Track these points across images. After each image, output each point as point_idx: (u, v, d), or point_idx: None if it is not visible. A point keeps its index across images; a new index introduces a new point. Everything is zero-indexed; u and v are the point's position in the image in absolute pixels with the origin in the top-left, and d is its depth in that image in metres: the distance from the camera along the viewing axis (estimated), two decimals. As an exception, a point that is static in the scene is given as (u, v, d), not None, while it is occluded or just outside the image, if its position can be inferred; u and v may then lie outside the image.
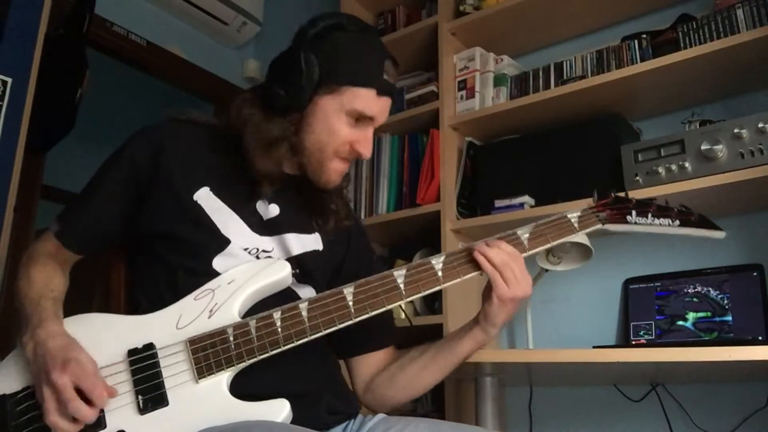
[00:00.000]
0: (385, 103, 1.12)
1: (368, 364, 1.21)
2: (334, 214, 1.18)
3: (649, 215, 1.13)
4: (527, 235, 1.10)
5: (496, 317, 1.09)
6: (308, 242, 1.15)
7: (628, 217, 1.12)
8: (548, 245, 1.11)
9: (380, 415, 1.13)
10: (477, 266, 1.07)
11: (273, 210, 1.13)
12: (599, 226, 1.12)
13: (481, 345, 1.14)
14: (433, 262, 1.07)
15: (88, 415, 0.90)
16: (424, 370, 1.16)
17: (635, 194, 1.62)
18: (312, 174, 1.13)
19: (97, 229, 1.11)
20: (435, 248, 2.02)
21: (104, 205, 1.10)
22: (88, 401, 0.90)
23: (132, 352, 0.97)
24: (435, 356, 1.16)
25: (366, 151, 1.12)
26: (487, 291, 1.10)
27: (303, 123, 1.10)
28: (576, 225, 1.11)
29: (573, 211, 1.13)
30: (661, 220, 1.13)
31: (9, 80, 1.81)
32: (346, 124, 1.09)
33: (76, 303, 1.05)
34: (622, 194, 1.16)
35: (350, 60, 1.08)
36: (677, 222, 1.13)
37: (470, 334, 1.13)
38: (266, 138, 1.08)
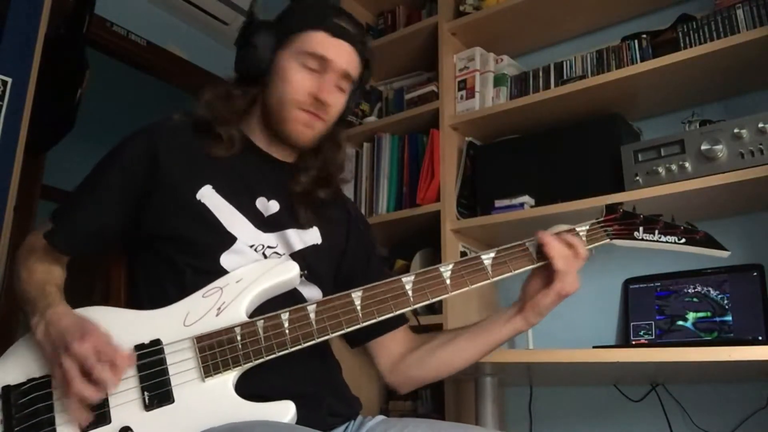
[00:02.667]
0: (342, 45, 1.12)
1: (390, 345, 1.21)
2: (323, 202, 1.19)
3: (656, 232, 1.15)
4: (535, 245, 1.12)
5: (547, 309, 1.10)
6: (307, 237, 1.15)
7: (635, 233, 1.15)
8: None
9: (380, 416, 1.13)
10: (484, 276, 1.08)
11: (273, 206, 1.13)
12: (606, 241, 1.14)
13: (518, 333, 1.15)
14: (441, 269, 1.07)
15: (113, 379, 0.89)
16: (460, 353, 1.16)
17: (635, 194, 1.65)
18: (281, 132, 1.14)
19: (88, 233, 1.10)
20: (435, 248, 2.02)
21: (95, 210, 1.09)
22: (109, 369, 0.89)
23: (138, 347, 0.96)
24: (472, 339, 1.16)
25: (329, 97, 1.12)
26: (539, 281, 1.10)
27: (266, 88, 1.14)
28: (584, 239, 1.12)
29: (581, 225, 1.15)
30: (668, 237, 1.15)
31: (9, 80, 1.81)
32: (301, 71, 1.11)
33: (76, 301, 1.04)
34: (630, 209, 1.17)
35: (300, 10, 1.14)
36: (683, 240, 1.15)
37: (512, 321, 1.13)
38: (235, 106, 1.13)
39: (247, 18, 1.15)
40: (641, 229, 1.15)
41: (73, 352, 0.88)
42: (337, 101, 1.14)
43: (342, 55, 1.12)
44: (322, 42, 1.10)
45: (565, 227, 1.14)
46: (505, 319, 1.14)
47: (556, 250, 1.06)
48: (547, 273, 1.08)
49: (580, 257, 1.08)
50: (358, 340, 1.21)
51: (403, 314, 1.21)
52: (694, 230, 1.16)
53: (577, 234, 1.12)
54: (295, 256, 1.11)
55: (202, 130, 1.14)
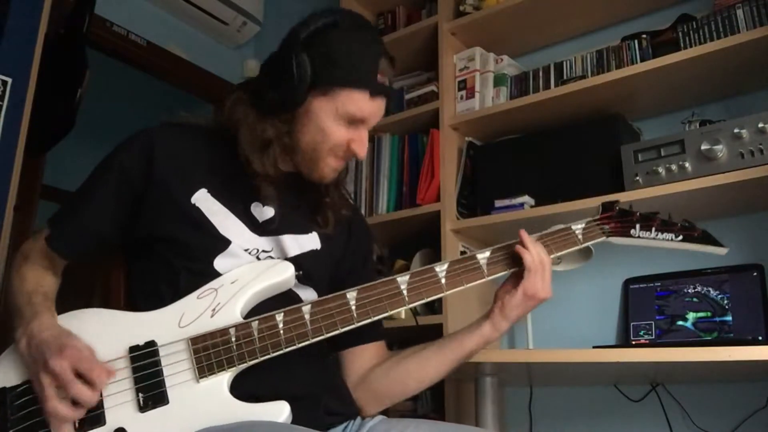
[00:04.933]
0: (379, 104, 1.11)
1: (361, 358, 1.21)
2: (331, 207, 1.18)
3: (653, 229, 1.15)
4: None
5: (513, 311, 1.10)
6: (305, 242, 1.15)
7: (632, 231, 1.15)
8: (552, 256, 1.14)
9: (380, 417, 1.13)
10: (479, 275, 1.08)
11: (267, 212, 1.13)
12: (603, 238, 1.15)
13: (487, 341, 1.14)
14: (437, 269, 1.08)
15: (89, 397, 0.89)
16: (425, 364, 1.16)
17: (635, 194, 1.65)
18: (306, 172, 1.14)
19: (86, 237, 1.11)
20: (435, 248, 2.02)
21: (94, 212, 1.09)
22: (87, 385, 0.89)
23: (133, 349, 0.97)
24: (438, 350, 1.15)
25: (361, 151, 1.12)
26: (510, 284, 1.11)
27: (296, 123, 1.09)
28: (580, 237, 1.13)
29: (577, 222, 1.15)
30: (665, 234, 1.15)
31: (9, 80, 1.81)
32: (339, 125, 1.09)
33: (75, 303, 1.04)
34: (626, 207, 1.17)
35: (343, 61, 1.06)
36: (680, 237, 1.15)
37: (479, 329, 1.13)
38: (261, 139, 1.09)
39: (285, 49, 1.09)
40: (638, 226, 1.15)
41: (49, 368, 0.88)
42: (366, 151, 1.14)
43: (378, 113, 1.12)
44: (361, 105, 1.08)
45: (561, 226, 1.14)
46: (472, 328, 1.14)
47: (524, 250, 1.09)
48: (518, 277, 1.09)
49: (547, 258, 1.11)
50: (335, 345, 1.20)
51: (381, 330, 1.22)
52: (691, 227, 1.16)
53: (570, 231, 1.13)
54: (290, 261, 1.11)
55: (219, 136, 1.14)
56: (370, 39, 1.11)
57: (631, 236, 1.15)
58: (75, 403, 0.89)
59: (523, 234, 1.12)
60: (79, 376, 0.89)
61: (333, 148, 1.10)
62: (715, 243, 1.16)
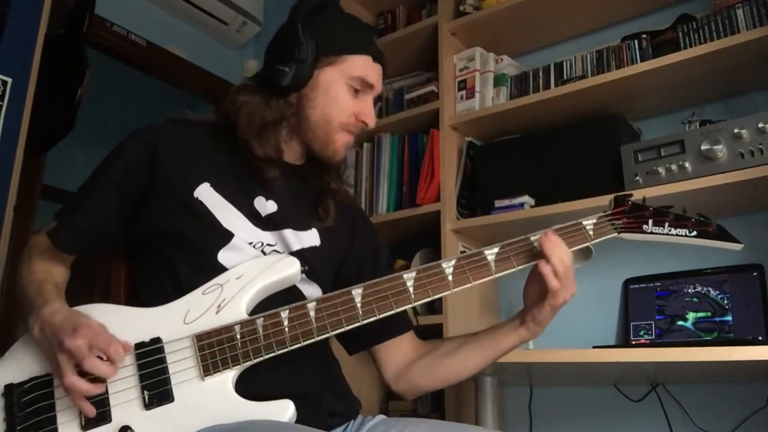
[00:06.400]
0: (380, 70, 1.17)
1: (395, 352, 1.20)
2: (333, 195, 1.19)
3: (666, 225, 1.09)
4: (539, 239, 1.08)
5: (546, 320, 1.08)
6: (306, 238, 1.15)
7: (645, 227, 1.10)
8: None
9: (380, 416, 1.13)
10: (487, 272, 1.05)
11: (270, 206, 1.13)
12: (614, 234, 1.10)
13: (524, 341, 1.14)
14: (444, 265, 1.05)
15: (107, 370, 0.90)
16: (466, 362, 1.16)
17: (635, 194, 1.64)
18: (319, 149, 1.15)
19: (90, 233, 1.11)
20: (435, 248, 2.02)
21: (99, 208, 1.09)
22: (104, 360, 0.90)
23: (139, 346, 0.96)
24: (478, 348, 1.15)
25: (371, 120, 1.15)
26: (534, 293, 1.07)
27: (304, 99, 1.12)
28: (591, 233, 1.08)
29: (589, 218, 1.10)
30: (678, 230, 1.09)
31: (9, 80, 1.81)
32: (348, 93, 1.13)
33: (77, 300, 1.04)
34: (639, 201, 1.12)
35: (343, 31, 1.14)
36: (694, 232, 1.09)
37: (517, 332, 1.11)
38: (262, 121, 1.10)
39: (288, 26, 1.12)
40: (651, 222, 1.10)
41: (65, 347, 0.89)
42: (375, 119, 1.17)
43: (380, 79, 1.18)
44: (368, 67, 1.14)
45: (570, 224, 1.10)
46: (511, 328, 1.12)
47: (547, 267, 1.01)
48: (541, 280, 1.04)
49: (569, 268, 1.03)
50: (359, 345, 1.21)
51: (408, 320, 1.22)
52: (706, 222, 1.11)
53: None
54: (294, 255, 1.11)
55: (222, 131, 1.14)
56: (356, 17, 1.22)
57: (644, 232, 1.09)
58: (94, 380, 0.90)
59: (545, 241, 1.03)
60: (95, 351, 0.90)
61: (345, 120, 1.13)
62: (730, 238, 1.10)
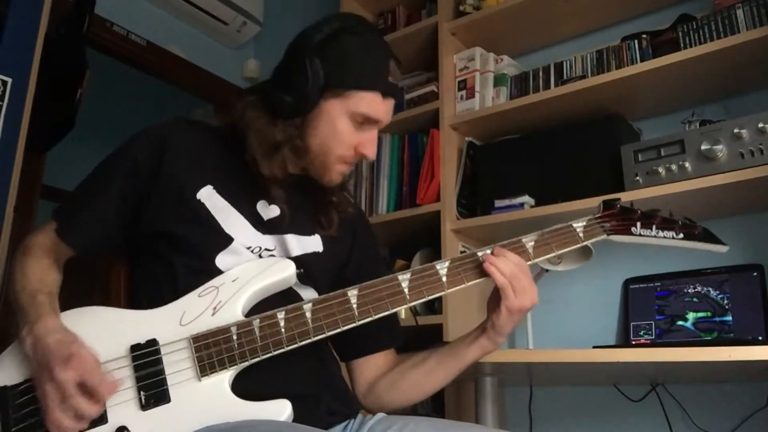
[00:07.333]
0: (390, 104, 1.13)
1: (369, 368, 1.21)
2: (336, 207, 1.19)
3: (654, 227, 1.14)
4: (532, 243, 1.11)
5: (504, 327, 1.09)
6: (308, 244, 1.15)
7: (633, 229, 1.14)
8: (552, 254, 1.12)
9: (380, 415, 1.13)
10: (481, 273, 1.07)
11: (273, 211, 1.13)
12: (604, 236, 1.13)
13: (487, 352, 1.14)
14: (438, 267, 1.07)
15: (92, 411, 0.89)
16: (429, 376, 1.16)
17: (635, 194, 1.65)
18: (314, 174, 1.14)
19: (102, 228, 1.10)
20: (435, 248, 2.02)
21: (109, 204, 1.09)
22: (90, 397, 0.88)
23: (135, 348, 0.96)
24: (441, 362, 1.15)
25: (370, 153, 1.13)
26: (494, 301, 1.08)
27: (307, 126, 1.10)
28: (581, 235, 1.12)
29: (578, 220, 1.14)
30: (665, 232, 1.14)
31: (9, 80, 1.81)
32: (351, 126, 1.10)
33: (76, 301, 1.04)
34: (627, 204, 1.16)
35: (355, 63, 1.08)
36: (681, 235, 1.15)
37: (477, 342, 1.12)
38: (270, 142, 1.09)
39: (297, 54, 1.10)
40: (639, 224, 1.15)
41: (55, 378, 0.87)
42: (375, 150, 1.15)
43: (389, 113, 1.14)
44: (375, 105, 1.10)
45: (560, 226, 1.14)
46: (471, 340, 1.13)
47: (491, 267, 1.05)
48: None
49: (517, 267, 1.06)
50: (345, 354, 1.22)
51: (394, 336, 1.23)
52: (692, 225, 1.16)
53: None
54: (292, 260, 1.10)
55: (227, 134, 1.14)
56: (379, 42, 1.14)
57: (632, 234, 1.14)
58: (78, 414, 0.89)
59: (487, 257, 1.08)
60: (84, 387, 0.88)
61: (343, 153, 1.11)
62: (716, 240, 1.16)
